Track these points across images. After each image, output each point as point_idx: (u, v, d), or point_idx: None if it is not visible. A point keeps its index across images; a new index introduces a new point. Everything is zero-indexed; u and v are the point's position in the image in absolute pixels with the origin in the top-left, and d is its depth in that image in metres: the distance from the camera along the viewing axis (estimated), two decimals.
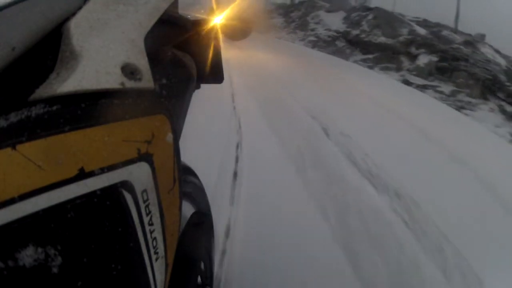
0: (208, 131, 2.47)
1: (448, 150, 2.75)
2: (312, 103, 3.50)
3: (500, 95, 6.28)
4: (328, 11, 9.49)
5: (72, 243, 0.28)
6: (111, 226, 0.31)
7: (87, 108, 0.30)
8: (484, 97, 6.19)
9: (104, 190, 0.30)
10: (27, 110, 0.27)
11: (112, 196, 0.31)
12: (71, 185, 0.27)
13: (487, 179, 2.27)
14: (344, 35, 8.47)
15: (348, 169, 2.18)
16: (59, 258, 0.27)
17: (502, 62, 7.77)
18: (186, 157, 0.61)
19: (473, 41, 8.30)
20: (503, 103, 6.08)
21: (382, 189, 1.98)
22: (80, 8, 0.34)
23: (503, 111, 5.96)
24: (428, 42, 7.88)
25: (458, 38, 8.56)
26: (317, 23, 9.13)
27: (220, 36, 0.63)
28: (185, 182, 0.77)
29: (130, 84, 0.33)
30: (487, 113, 5.78)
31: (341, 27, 8.81)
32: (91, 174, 0.29)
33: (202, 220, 0.77)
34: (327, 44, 8.26)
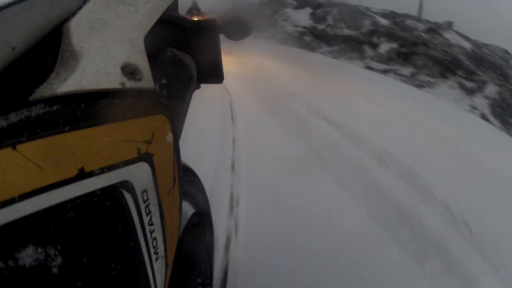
0: None
1: (406, 117, 3.34)
2: (283, 83, 4.49)
3: (460, 73, 7.02)
4: (296, 8, 9.96)
5: (72, 243, 0.28)
6: (111, 226, 0.31)
7: (87, 108, 0.30)
8: (443, 76, 6.92)
9: (104, 190, 0.30)
10: (27, 110, 0.27)
11: (112, 196, 0.31)
12: (71, 185, 0.27)
13: (449, 136, 2.93)
14: (311, 30, 9.10)
15: (305, 113, 3.28)
16: (59, 258, 0.27)
17: (468, 45, 8.71)
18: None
19: (436, 28, 9.20)
20: (462, 80, 6.81)
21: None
22: (80, 8, 0.34)
23: (462, 87, 6.74)
24: (390, 32, 8.67)
25: (421, 26, 9.41)
26: (285, 20, 9.61)
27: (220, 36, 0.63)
28: (185, 182, 0.77)
29: (130, 84, 0.33)
30: (446, 89, 6.54)
31: (308, 23, 9.40)
32: (91, 174, 0.29)
33: (202, 220, 0.77)
34: (295, 39, 8.71)
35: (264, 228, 1.56)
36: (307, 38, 8.77)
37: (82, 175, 0.28)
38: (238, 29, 0.61)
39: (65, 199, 0.27)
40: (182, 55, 0.54)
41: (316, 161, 2.28)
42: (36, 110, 0.27)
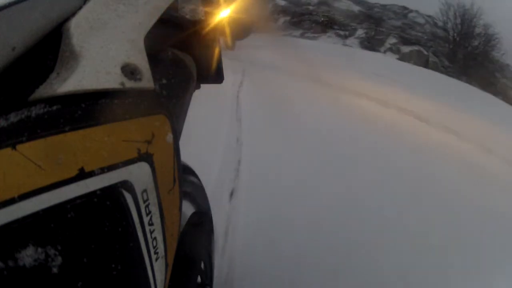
0: None
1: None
2: None
3: (336, 27, 12.49)
4: None
5: (72, 243, 0.28)
6: (111, 226, 0.31)
7: (87, 108, 0.30)
8: (324, 31, 12.28)
9: (104, 190, 0.30)
10: (27, 110, 0.27)
11: (112, 196, 0.31)
12: (71, 185, 0.27)
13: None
14: None
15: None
16: (59, 258, 0.27)
17: (356, 8, 13.58)
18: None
19: (327, 1, 14.08)
20: (338, 31, 12.42)
21: None
22: (80, 8, 0.34)
23: (338, 35, 12.37)
24: (285, 9, 13.36)
25: (314, 1, 14.13)
26: None
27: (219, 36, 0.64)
28: (185, 181, 0.77)
29: (130, 84, 0.33)
30: (326, 38, 11.82)
31: None
32: (91, 174, 0.29)
33: (202, 220, 0.77)
34: None
35: None
36: None
37: (82, 175, 0.28)
38: (240, 27, 0.61)
39: (65, 199, 0.27)
40: (182, 55, 0.54)
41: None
42: (36, 110, 0.27)
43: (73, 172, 0.28)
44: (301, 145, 2.53)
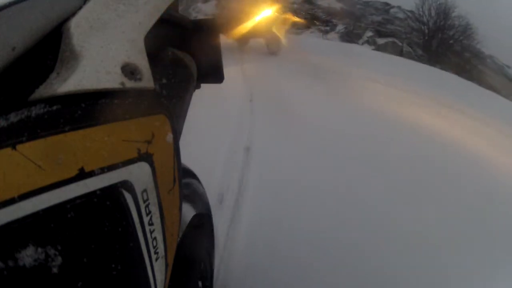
0: None
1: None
2: None
3: (318, 23, 13.26)
4: (204, 1, 12.86)
5: (72, 243, 0.28)
6: (111, 226, 0.31)
7: (87, 108, 0.30)
8: (307, 27, 12.70)
9: (104, 190, 0.30)
10: (27, 110, 0.27)
11: (112, 196, 0.31)
12: (71, 185, 0.27)
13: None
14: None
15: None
16: (59, 258, 0.27)
17: (338, 6, 14.57)
18: None
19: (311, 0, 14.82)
20: (320, 27, 13.19)
21: None
22: (80, 8, 0.34)
23: (321, 31, 13.10)
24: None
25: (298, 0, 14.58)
26: (197, 12, 12.57)
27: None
28: (186, 184, 0.77)
29: (130, 84, 0.33)
30: (309, 34, 12.42)
31: (215, 11, 12.75)
32: (91, 174, 0.29)
33: (203, 222, 0.77)
34: None
35: None
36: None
37: (82, 175, 0.28)
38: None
39: (65, 199, 0.27)
40: (182, 55, 0.54)
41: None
42: (36, 110, 0.27)
43: (73, 172, 0.28)
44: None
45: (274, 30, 5.93)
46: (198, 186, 0.86)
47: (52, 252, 0.26)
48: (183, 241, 0.66)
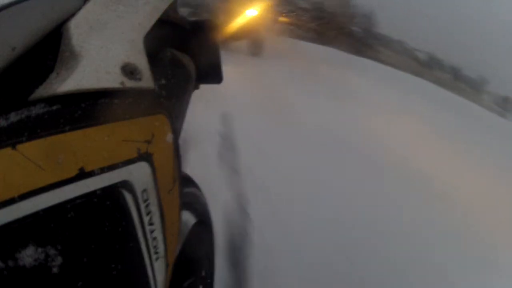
0: None
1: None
2: None
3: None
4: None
5: (72, 243, 0.28)
6: (111, 226, 0.31)
7: (87, 108, 0.30)
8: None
9: (104, 190, 0.30)
10: (27, 110, 0.27)
11: (112, 196, 0.31)
12: (71, 185, 0.27)
13: None
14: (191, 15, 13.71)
15: None
16: (59, 258, 0.27)
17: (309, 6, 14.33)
18: None
19: None
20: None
21: None
22: (80, 8, 0.34)
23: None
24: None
25: None
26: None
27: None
28: (186, 192, 0.77)
29: (130, 83, 0.33)
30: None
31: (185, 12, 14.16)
32: (91, 174, 0.29)
33: (204, 230, 0.77)
34: None
35: None
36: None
37: (82, 175, 0.28)
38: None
39: (65, 199, 0.27)
40: (182, 55, 0.54)
41: None
42: (36, 110, 0.27)
43: (73, 172, 0.28)
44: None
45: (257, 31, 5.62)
46: (198, 194, 0.86)
47: (52, 252, 0.26)
48: (184, 249, 0.66)
